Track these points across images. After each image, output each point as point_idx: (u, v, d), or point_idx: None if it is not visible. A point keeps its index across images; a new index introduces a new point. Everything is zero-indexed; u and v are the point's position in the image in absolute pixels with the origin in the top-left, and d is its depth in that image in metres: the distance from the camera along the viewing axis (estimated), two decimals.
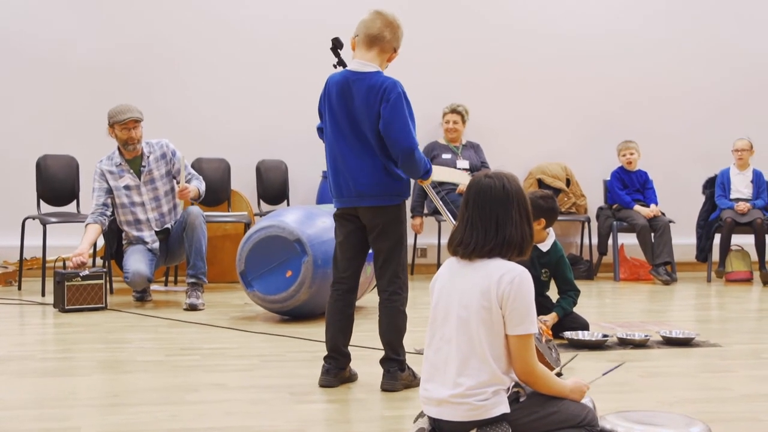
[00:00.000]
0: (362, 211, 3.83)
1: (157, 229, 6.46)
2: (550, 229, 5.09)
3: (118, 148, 6.44)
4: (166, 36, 8.13)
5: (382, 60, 3.84)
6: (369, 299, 5.32)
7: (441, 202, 4.33)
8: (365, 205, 3.81)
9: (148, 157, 6.46)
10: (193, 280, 6.27)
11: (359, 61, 3.82)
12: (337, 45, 4.05)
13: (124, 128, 6.32)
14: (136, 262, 6.25)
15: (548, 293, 5.22)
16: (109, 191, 6.41)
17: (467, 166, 8.35)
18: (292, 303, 5.56)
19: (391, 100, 3.70)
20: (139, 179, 6.43)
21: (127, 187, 6.41)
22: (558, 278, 5.15)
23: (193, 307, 6.11)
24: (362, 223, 3.87)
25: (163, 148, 6.53)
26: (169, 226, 6.50)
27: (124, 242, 6.52)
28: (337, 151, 3.83)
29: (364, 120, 3.75)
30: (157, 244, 6.43)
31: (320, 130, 3.98)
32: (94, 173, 6.45)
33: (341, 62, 4.03)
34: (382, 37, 3.80)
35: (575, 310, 5.19)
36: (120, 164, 6.41)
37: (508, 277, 2.63)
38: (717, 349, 4.91)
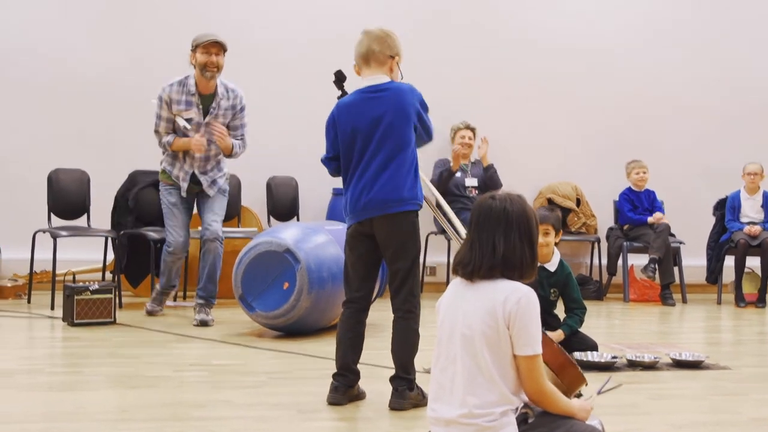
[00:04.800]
0: (378, 223, 3.84)
1: (197, 171, 6.36)
2: (555, 248, 5.10)
3: (195, 79, 6.27)
4: (177, 54, 8.15)
5: (384, 71, 3.91)
6: (377, 316, 5.30)
7: (444, 216, 4.38)
8: (387, 213, 3.81)
9: (220, 100, 6.33)
10: (202, 301, 6.27)
11: (367, 78, 3.87)
12: (340, 78, 4.08)
13: (204, 51, 6.18)
14: (174, 232, 6.32)
15: (556, 312, 5.22)
16: (171, 120, 6.26)
17: (476, 184, 8.37)
18: (296, 314, 5.55)
19: (421, 99, 3.92)
20: (204, 118, 6.31)
21: (188, 121, 6.26)
22: (566, 297, 5.15)
23: (203, 323, 6.11)
24: (376, 241, 3.87)
25: (237, 99, 6.40)
26: (205, 181, 6.37)
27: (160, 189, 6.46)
28: (360, 169, 3.85)
29: (391, 130, 3.81)
30: (184, 192, 6.36)
31: (330, 161, 3.98)
32: (158, 99, 6.27)
33: (344, 95, 4.06)
34: (371, 51, 3.89)
35: (584, 330, 5.18)
36: (194, 94, 6.26)
37: (514, 297, 2.62)
38: (727, 372, 4.89)
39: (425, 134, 3.99)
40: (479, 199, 2.81)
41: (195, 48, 6.24)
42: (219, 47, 6.23)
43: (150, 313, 6.56)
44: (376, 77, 3.87)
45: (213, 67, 6.22)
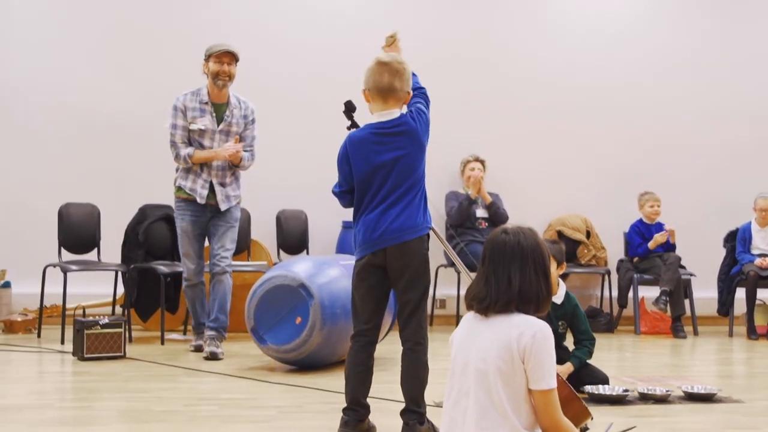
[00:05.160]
0: (392, 253, 3.83)
1: (215, 180, 6.39)
2: (561, 280, 5.09)
3: (207, 89, 6.38)
4: (186, 89, 8.21)
5: (399, 107, 3.91)
6: (386, 349, 5.29)
7: (450, 248, 4.39)
8: (402, 241, 3.81)
9: (233, 109, 6.42)
10: (213, 333, 6.27)
11: (380, 113, 3.87)
12: (349, 108, 4.08)
13: (217, 61, 6.30)
14: (188, 260, 6.41)
15: (565, 344, 5.20)
16: (186, 129, 6.32)
17: (486, 215, 8.38)
18: (307, 349, 5.54)
19: (423, 107, 3.96)
20: (218, 125, 6.37)
21: (202, 130, 6.33)
22: (574, 329, 5.14)
23: (213, 356, 6.10)
24: (386, 273, 3.87)
25: (248, 110, 6.49)
26: (220, 193, 6.39)
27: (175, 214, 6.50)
28: (375, 202, 3.85)
29: (409, 167, 3.84)
30: (203, 199, 6.35)
31: (342, 194, 3.98)
32: (172, 108, 6.36)
33: (354, 125, 4.06)
34: (393, 89, 3.86)
35: (595, 363, 5.16)
36: (206, 102, 6.36)
37: (530, 332, 2.62)
38: (740, 405, 4.85)
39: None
40: (492, 233, 2.82)
41: (208, 57, 6.36)
42: (231, 57, 6.35)
43: (198, 349, 6.49)
44: (390, 113, 3.87)
45: (225, 76, 6.33)
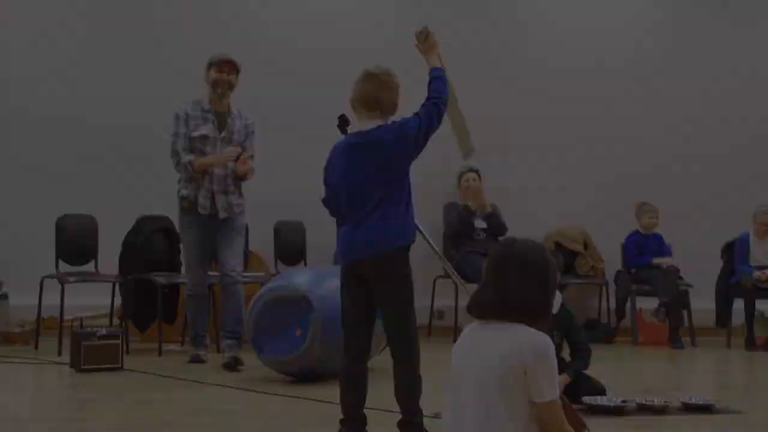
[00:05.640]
0: (368, 265, 3.81)
1: (215, 188, 6.38)
2: (557, 291, 5.08)
3: (209, 97, 6.44)
4: (185, 98, 8.22)
5: (385, 119, 3.89)
6: (384, 360, 5.25)
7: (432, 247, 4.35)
8: (376, 253, 3.76)
9: (235, 118, 6.48)
10: (231, 341, 6.32)
11: (363, 123, 3.87)
12: (343, 122, 4.09)
13: (217, 69, 6.37)
14: (190, 272, 6.52)
15: (561, 355, 5.19)
16: (188, 137, 6.35)
17: (484, 226, 8.37)
18: (307, 361, 5.54)
19: (411, 120, 3.84)
20: (220, 133, 6.41)
21: (204, 137, 6.35)
22: (569, 339, 5.13)
23: (237, 361, 6.13)
24: (369, 286, 3.85)
25: (248, 120, 6.56)
26: (220, 201, 6.40)
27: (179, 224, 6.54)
28: (354, 212, 3.83)
29: (386, 173, 3.78)
30: (206, 209, 6.36)
31: (327, 202, 3.98)
32: (174, 117, 6.39)
33: None
34: (380, 100, 3.86)
35: (593, 374, 5.15)
36: (208, 110, 6.40)
37: (531, 345, 2.61)
38: (738, 416, 4.84)
39: (437, 123, 3.94)
40: (500, 242, 2.84)
41: (210, 66, 6.42)
42: (232, 66, 6.42)
43: (195, 359, 6.50)
44: (373, 122, 3.85)
45: (225, 84, 6.40)
